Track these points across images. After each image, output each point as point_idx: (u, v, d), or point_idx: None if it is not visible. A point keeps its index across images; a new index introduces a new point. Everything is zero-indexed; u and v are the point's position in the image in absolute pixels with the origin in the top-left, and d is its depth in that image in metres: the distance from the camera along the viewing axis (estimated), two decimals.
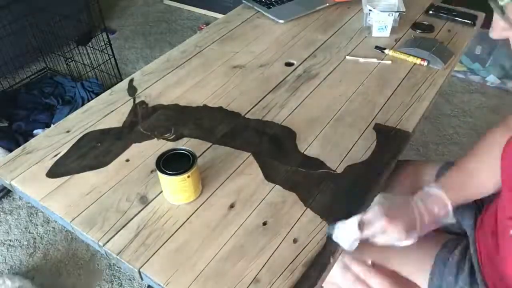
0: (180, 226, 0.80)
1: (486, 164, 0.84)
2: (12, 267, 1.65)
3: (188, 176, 0.80)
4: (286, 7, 1.48)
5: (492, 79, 2.41)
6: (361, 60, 1.23)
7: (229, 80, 1.18)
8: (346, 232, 0.75)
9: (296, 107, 1.08)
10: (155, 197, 0.86)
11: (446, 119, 2.24)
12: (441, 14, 1.41)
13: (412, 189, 0.86)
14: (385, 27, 1.31)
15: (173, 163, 0.81)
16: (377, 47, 1.27)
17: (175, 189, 0.82)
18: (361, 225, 0.75)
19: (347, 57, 1.25)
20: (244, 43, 1.32)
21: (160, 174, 0.81)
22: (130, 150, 0.97)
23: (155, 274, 0.73)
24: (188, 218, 0.82)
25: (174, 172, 0.79)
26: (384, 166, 0.92)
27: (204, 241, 0.78)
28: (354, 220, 0.75)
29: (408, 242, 0.77)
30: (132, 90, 1.15)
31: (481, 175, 0.84)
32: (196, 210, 0.83)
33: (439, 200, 0.80)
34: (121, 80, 1.19)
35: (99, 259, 1.66)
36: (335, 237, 0.76)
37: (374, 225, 0.75)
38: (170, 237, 0.79)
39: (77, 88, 2.30)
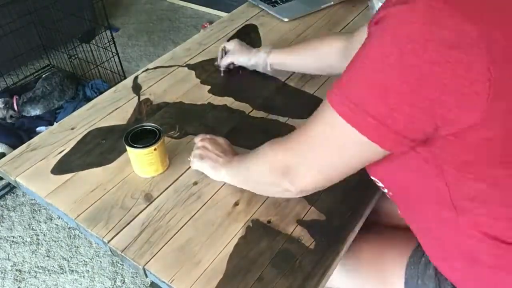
0: (185, 224, 0.81)
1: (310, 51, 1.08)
2: (15, 263, 1.66)
3: (155, 149, 0.85)
4: (290, 5, 1.47)
5: None
6: None
7: (234, 78, 1.18)
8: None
9: (300, 106, 1.07)
10: (160, 195, 0.86)
11: None
12: None
13: None
14: None
15: (140, 139, 0.86)
16: None
17: (143, 162, 0.87)
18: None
19: None
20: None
21: (128, 149, 0.86)
22: None
23: (159, 272, 0.73)
24: (192, 216, 0.82)
25: (141, 146, 0.84)
26: None
27: (208, 239, 0.78)
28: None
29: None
30: (136, 87, 1.15)
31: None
32: (201, 208, 0.84)
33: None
34: (125, 77, 1.19)
35: (102, 256, 1.67)
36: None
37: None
38: (175, 234, 0.79)
39: (85, 88, 2.30)
